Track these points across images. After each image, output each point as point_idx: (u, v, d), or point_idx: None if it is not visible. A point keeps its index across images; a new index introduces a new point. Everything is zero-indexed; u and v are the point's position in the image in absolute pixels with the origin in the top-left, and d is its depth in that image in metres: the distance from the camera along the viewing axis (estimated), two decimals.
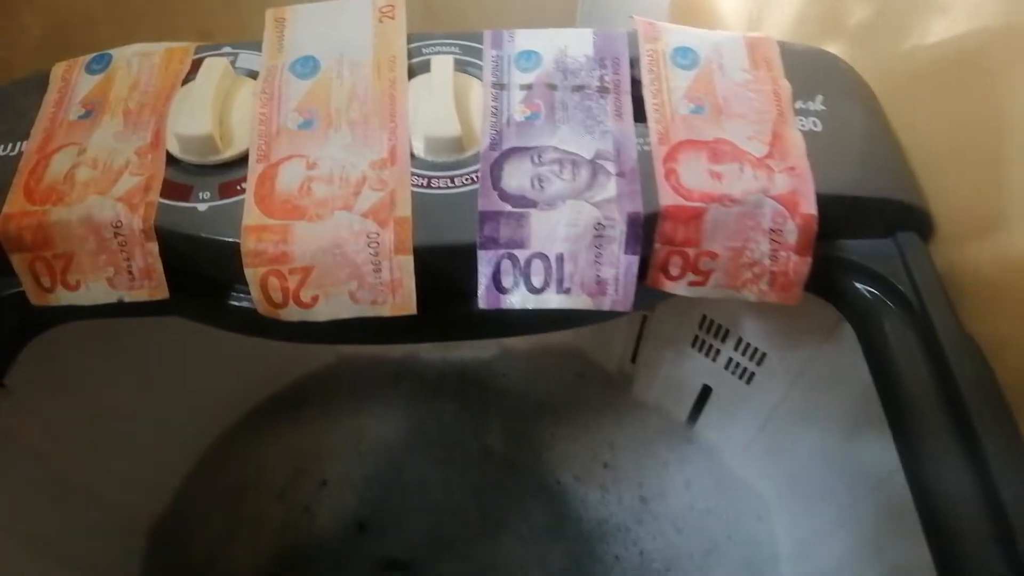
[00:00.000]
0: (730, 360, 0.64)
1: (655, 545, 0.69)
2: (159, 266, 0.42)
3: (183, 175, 0.43)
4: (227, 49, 0.48)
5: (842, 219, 0.46)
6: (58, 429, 0.56)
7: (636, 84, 0.47)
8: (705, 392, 0.70)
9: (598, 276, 0.42)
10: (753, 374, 0.62)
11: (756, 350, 0.61)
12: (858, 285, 0.47)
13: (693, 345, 0.66)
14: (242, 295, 0.45)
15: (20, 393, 0.51)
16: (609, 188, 0.42)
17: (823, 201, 0.44)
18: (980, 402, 0.42)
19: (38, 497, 0.56)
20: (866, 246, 0.47)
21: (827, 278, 0.48)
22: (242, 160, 0.43)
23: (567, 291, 0.42)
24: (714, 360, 0.65)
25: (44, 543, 0.56)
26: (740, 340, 0.61)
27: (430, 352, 0.80)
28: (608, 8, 0.71)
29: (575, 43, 0.48)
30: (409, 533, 0.70)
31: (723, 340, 0.63)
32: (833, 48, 0.53)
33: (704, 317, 0.63)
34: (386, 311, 0.42)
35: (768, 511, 0.70)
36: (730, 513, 0.70)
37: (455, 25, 0.57)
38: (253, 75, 0.47)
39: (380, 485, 0.72)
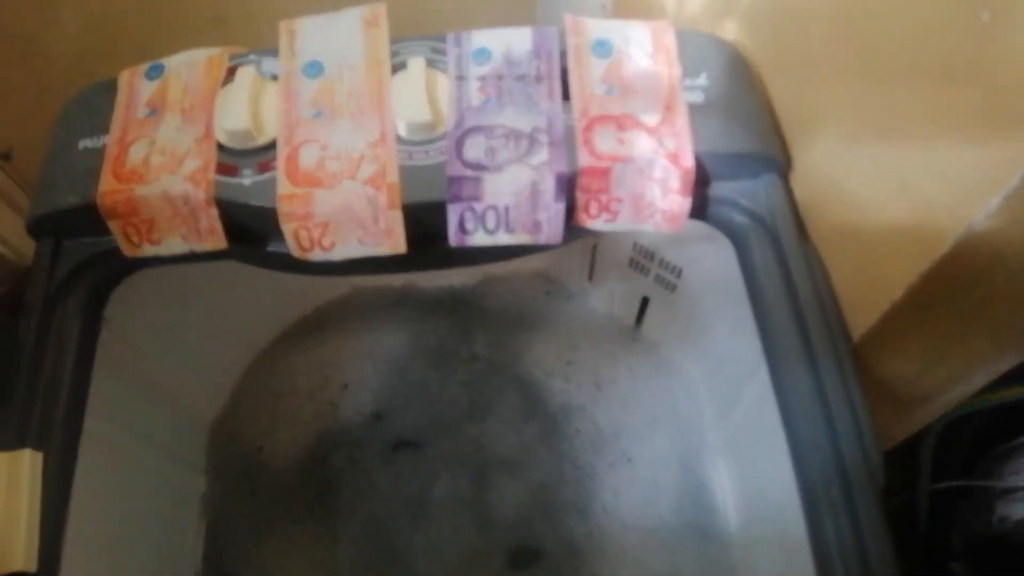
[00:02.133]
0: (658, 275, 0.80)
1: (607, 419, 0.87)
2: (219, 225, 0.58)
3: (230, 157, 0.59)
4: (252, 56, 0.63)
5: (720, 168, 0.62)
6: (141, 347, 0.73)
7: (565, 71, 0.62)
8: (645, 301, 0.87)
9: (535, 219, 0.59)
10: (676, 285, 0.79)
11: (674, 266, 0.77)
12: (734, 215, 0.63)
13: (630, 265, 0.83)
14: (279, 243, 0.61)
15: (116, 323, 0.68)
16: (542, 154, 0.58)
17: (703, 157, 0.59)
18: (813, 299, 0.59)
19: (129, 397, 0.73)
20: (740, 186, 0.63)
21: (713, 210, 0.64)
22: (272, 145, 0.59)
23: (512, 231, 0.58)
24: (646, 276, 0.82)
25: (135, 429, 0.73)
26: (662, 260, 0.78)
27: (425, 282, 0.96)
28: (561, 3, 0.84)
29: (518, 41, 0.62)
30: (415, 420, 0.88)
31: (650, 260, 0.80)
32: (729, 32, 0.67)
33: (635, 243, 0.80)
34: (384, 250, 0.58)
35: (696, 390, 0.88)
36: (666, 393, 0.88)
37: (429, 22, 0.71)
38: (275, 77, 0.61)
39: (390, 385, 0.90)
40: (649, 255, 0.79)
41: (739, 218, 0.63)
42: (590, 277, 0.91)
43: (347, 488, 0.85)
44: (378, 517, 0.84)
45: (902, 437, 0.67)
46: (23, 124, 0.77)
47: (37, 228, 0.61)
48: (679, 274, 0.78)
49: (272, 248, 0.62)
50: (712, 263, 0.72)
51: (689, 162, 0.58)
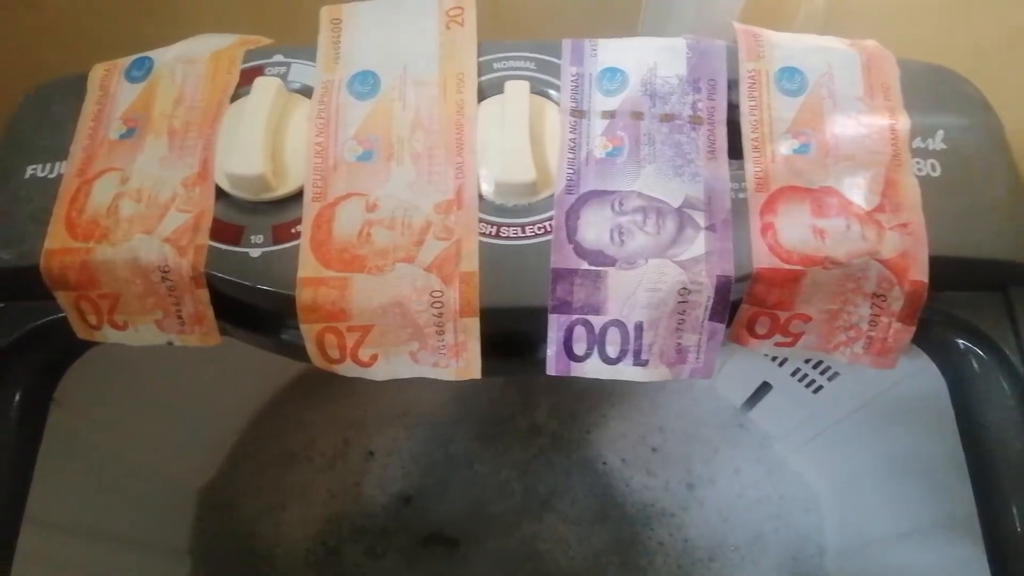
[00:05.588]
0: (798, 369, 0.61)
1: (700, 533, 0.69)
2: (210, 313, 0.40)
3: (234, 213, 0.40)
4: (278, 57, 0.43)
5: (949, 273, 0.42)
6: (106, 424, 0.56)
7: (732, 108, 0.42)
8: (765, 387, 0.68)
9: (679, 344, 0.39)
10: (821, 387, 0.60)
11: (828, 368, 0.58)
12: (958, 340, 0.44)
13: None
14: (296, 331, 0.43)
15: (72, 402, 0.50)
16: (697, 244, 0.38)
17: (933, 261, 0.39)
18: None
19: (92, 484, 0.56)
20: (972, 299, 0.43)
21: (925, 327, 0.44)
22: (297, 196, 0.40)
23: (644, 363, 0.39)
24: (780, 365, 0.62)
25: (98, 526, 0.57)
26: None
27: None
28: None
29: (667, 59, 0.42)
30: (453, 508, 0.70)
31: None
32: (955, 60, 0.46)
33: None
34: (449, 375, 0.39)
35: (817, 503, 0.69)
36: (779, 504, 0.69)
37: (520, 16, 0.50)
38: (307, 91, 0.42)
39: (426, 458, 0.72)
40: None
41: (963, 344, 0.44)
42: None
43: None
44: None
45: None
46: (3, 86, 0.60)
47: None
48: (832, 377, 0.58)
49: (284, 336, 0.43)
50: (892, 380, 0.52)
51: (923, 274, 0.38)
